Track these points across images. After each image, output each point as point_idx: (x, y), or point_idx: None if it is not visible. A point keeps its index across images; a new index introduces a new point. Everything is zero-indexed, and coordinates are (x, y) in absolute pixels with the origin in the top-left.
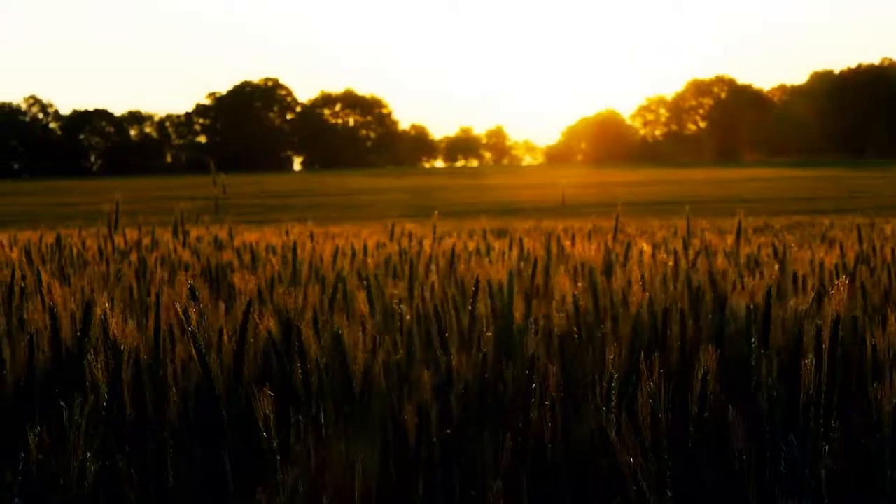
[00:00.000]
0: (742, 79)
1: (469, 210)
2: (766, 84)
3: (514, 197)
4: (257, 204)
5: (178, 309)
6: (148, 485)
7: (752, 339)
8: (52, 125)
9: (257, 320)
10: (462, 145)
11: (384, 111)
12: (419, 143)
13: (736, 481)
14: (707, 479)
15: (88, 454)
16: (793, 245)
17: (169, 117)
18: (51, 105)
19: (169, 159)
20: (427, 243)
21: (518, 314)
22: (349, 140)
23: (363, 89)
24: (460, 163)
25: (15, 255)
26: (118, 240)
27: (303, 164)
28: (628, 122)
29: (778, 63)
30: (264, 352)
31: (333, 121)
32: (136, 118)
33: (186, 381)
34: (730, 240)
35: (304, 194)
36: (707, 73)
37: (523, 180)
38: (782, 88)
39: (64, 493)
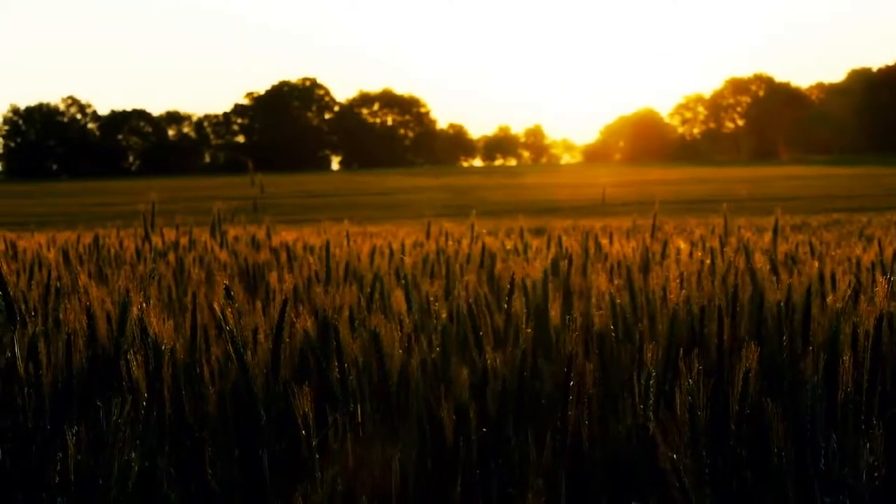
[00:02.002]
0: (780, 77)
1: (507, 209)
2: (804, 82)
3: (553, 196)
4: (295, 203)
5: (216, 308)
6: (187, 484)
7: (785, 337)
8: (91, 126)
9: (293, 319)
10: (500, 144)
11: (422, 110)
12: (457, 142)
13: (776, 478)
14: (746, 476)
15: (134, 454)
16: (830, 242)
17: (207, 117)
18: (89, 106)
19: (207, 159)
20: (465, 242)
21: (554, 312)
22: (387, 139)
23: (401, 88)
24: (498, 162)
25: (52, 255)
26: (156, 240)
27: (341, 163)
28: (666, 120)
29: (815, 61)
30: (301, 351)
31: (371, 120)
32: (174, 118)
33: (224, 380)
34: (767, 238)
35: (343, 194)
36: (745, 71)
37: (561, 179)
38: (820, 86)
39: (105, 493)
